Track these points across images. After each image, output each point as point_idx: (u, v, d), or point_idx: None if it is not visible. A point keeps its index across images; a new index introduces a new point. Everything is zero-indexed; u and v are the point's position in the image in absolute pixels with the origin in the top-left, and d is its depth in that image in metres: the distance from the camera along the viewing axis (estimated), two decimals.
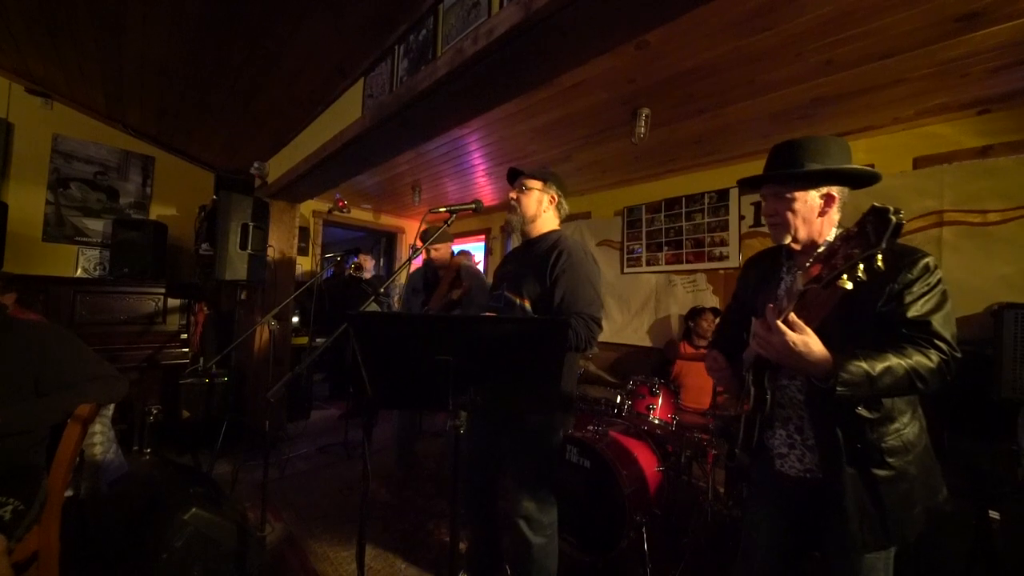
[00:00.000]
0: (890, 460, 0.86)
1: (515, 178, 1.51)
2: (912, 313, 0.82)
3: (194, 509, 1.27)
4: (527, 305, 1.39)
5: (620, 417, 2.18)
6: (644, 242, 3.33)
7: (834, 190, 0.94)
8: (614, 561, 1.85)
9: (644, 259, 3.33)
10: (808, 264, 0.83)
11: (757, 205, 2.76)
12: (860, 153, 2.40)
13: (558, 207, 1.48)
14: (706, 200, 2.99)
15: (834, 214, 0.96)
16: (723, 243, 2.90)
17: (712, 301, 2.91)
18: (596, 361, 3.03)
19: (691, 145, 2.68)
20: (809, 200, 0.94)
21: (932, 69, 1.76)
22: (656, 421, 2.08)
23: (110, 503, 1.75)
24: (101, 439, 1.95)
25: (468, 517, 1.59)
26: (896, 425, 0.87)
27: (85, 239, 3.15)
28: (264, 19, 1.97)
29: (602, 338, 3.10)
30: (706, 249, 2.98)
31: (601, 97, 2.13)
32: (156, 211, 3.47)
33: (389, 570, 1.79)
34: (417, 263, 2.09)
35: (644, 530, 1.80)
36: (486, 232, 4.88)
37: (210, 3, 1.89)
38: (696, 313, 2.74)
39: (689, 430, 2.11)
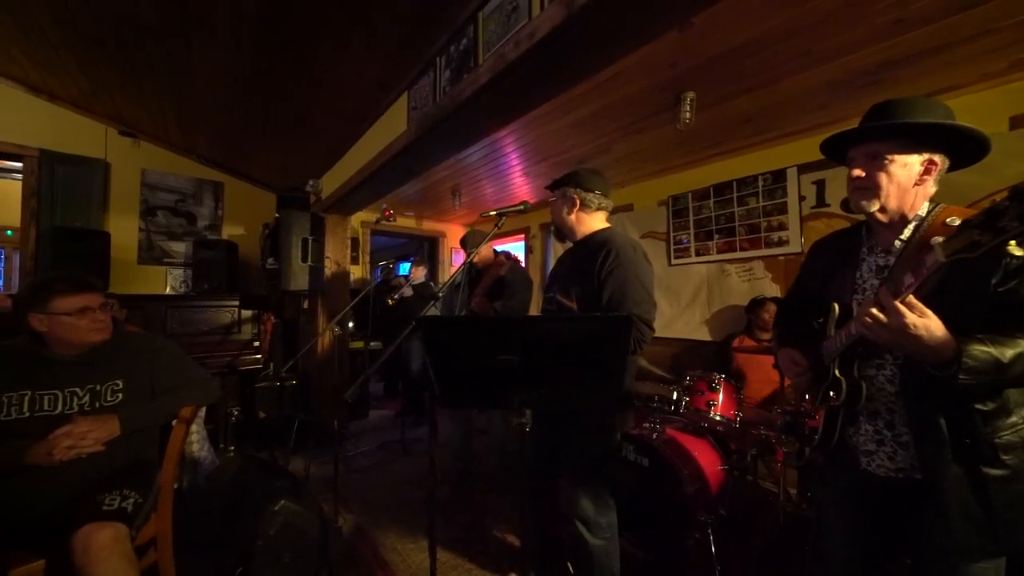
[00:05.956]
0: (1005, 458, 0.76)
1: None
2: None
3: (283, 501, 1.40)
4: (575, 306, 1.38)
5: (678, 414, 2.11)
6: (692, 231, 3.19)
7: (936, 157, 0.83)
8: (677, 561, 1.80)
9: (693, 249, 3.19)
10: (953, 234, 0.68)
11: (820, 184, 2.56)
12: None
13: (584, 205, 1.44)
14: (760, 182, 2.81)
15: (930, 186, 0.85)
16: (782, 227, 2.72)
17: (772, 289, 2.74)
18: (647, 356, 2.95)
19: (740, 125, 2.53)
20: (909, 164, 0.83)
21: None
22: (717, 417, 1.99)
23: (208, 495, 1.96)
24: (197, 438, 2.18)
25: (529, 514, 1.61)
26: (1014, 419, 0.77)
27: (171, 260, 3.54)
28: (310, 46, 2.11)
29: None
30: (762, 235, 2.81)
31: (641, 85, 2.07)
32: (227, 231, 3.81)
33: (453, 562, 1.86)
34: (458, 262, 2.19)
35: (710, 531, 1.74)
36: (525, 231, 4.90)
37: (262, 35, 2.05)
38: (756, 304, 2.58)
39: (754, 427, 2.00)
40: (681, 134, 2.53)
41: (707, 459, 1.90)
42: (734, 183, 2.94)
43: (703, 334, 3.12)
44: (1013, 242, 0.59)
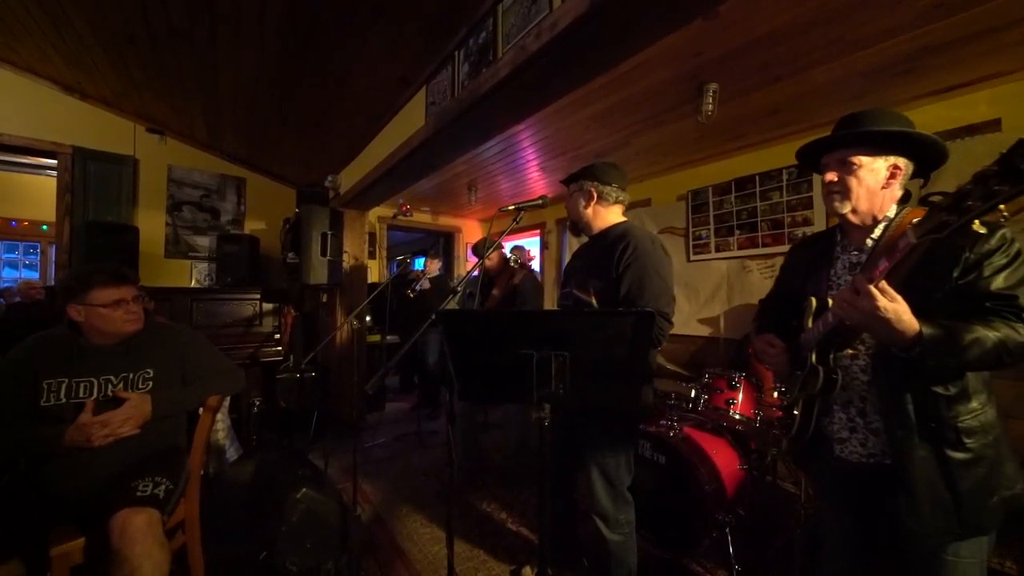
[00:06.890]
0: (967, 441, 0.81)
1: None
2: (996, 286, 0.78)
3: (305, 489, 1.44)
4: (593, 301, 1.36)
5: (695, 412, 2.08)
6: (712, 227, 3.12)
7: (900, 162, 0.90)
8: (694, 560, 1.79)
9: (713, 245, 3.12)
10: (923, 217, 0.73)
11: None
12: (981, 106, 2.05)
13: (601, 198, 1.42)
14: (785, 176, 2.73)
15: (896, 189, 0.92)
16: (806, 222, 2.63)
17: None
18: (664, 353, 2.91)
19: (765, 117, 2.45)
20: (875, 168, 0.90)
21: None
22: (737, 416, 1.95)
23: (232, 481, 2.03)
24: (222, 426, 2.26)
25: (548, 508, 1.61)
26: (973, 404, 0.83)
27: (196, 254, 3.65)
28: (331, 43, 2.12)
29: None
30: (786, 230, 2.72)
31: (663, 76, 2.02)
32: (249, 226, 3.90)
33: (468, 553, 1.88)
34: (472, 260, 2.20)
35: (728, 531, 1.71)
36: (541, 226, 4.88)
37: (285, 34, 2.08)
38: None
39: (775, 426, 1.96)
40: (702, 127, 2.46)
41: (725, 458, 1.87)
42: (757, 177, 2.86)
43: (722, 332, 3.06)
44: (977, 221, 0.64)
